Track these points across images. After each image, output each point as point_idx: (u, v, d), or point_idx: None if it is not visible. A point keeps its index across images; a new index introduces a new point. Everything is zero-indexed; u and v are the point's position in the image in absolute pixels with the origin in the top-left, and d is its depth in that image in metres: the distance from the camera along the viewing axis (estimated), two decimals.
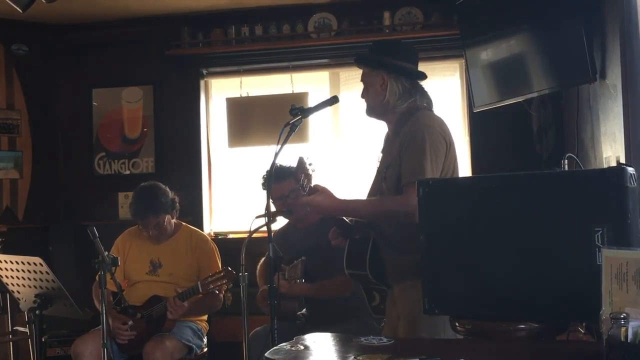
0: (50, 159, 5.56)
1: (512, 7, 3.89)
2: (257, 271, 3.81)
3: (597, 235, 1.87)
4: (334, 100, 2.84)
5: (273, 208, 3.62)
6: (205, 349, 3.96)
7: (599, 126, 3.53)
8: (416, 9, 5.02)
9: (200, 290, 3.61)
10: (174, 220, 3.97)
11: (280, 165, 3.52)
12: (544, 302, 1.97)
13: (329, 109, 2.99)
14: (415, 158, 2.57)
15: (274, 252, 2.69)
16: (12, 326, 4.79)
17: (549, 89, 3.84)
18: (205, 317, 4.00)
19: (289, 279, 3.40)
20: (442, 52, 5.05)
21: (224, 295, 3.89)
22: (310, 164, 2.63)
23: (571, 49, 3.47)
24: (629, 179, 1.89)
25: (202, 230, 4.58)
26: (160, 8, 5.18)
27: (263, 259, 3.74)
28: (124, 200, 5.20)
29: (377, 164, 2.87)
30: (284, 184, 3.62)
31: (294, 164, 2.73)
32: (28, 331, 3.57)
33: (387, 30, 5.03)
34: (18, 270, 3.21)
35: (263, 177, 3.64)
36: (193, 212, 5.11)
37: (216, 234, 5.30)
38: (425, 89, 2.82)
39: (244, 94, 5.37)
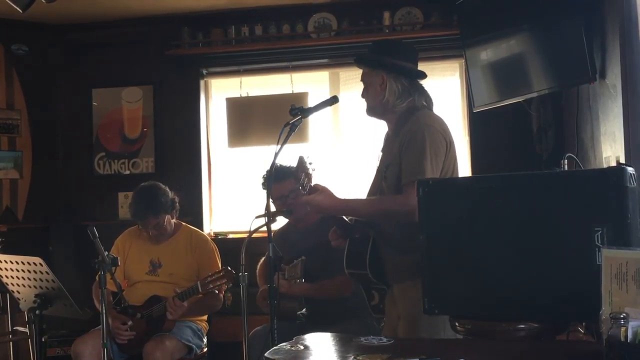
0: (50, 159, 5.56)
1: (512, 7, 3.89)
2: (257, 271, 3.81)
3: (597, 235, 1.87)
4: (333, 100, 2.84)
5: (273, 208, 3.62)
6: (205, 349, 3.96)
7: (599, 126, 3.53)
8: (416, 9, 5.02)
9: (200, 290, 3.61)
10: (173, 220, 3.97)
11: (280, 165, 3.52)
12: (543, 302, 1.97)
13: (328, 109, 2.99)
14: (416, 157, 2.57)
15: (274, 252, 2.69)
16: (12, 326, 4.79)
17: (549, 89, 3.84)
18: (205, 317, 4.00)
19: (288, 279, 3.40)
20: (442, 52, 5.04)
21: (223, 295, 3.90)
22: (310, 163, 2.63)
23: (571, 49, 3.47)
24: (629, 179, 1.89)
25: (202, 230, 4.58)
26: (160, 8, 5.18)
27: (263, 258, 3.74)
28: (124, 200, 5.20)
29: (377, 164, 2.87)
30: (284, 184, 3.62)
31: (294, 164, 2.73)
32: (28, 331, 3.57)
33: (387, 30, 5.03)
34: (18, 270, 3.21)
35: (263, 177, 3.64)
36: (193, 212, 5.11)
37: (216, 234, 5.30)
38: (426, 88, 2.82)
39: (244, 94, 5.37)
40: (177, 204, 3.94)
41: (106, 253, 3.01)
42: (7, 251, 4.08)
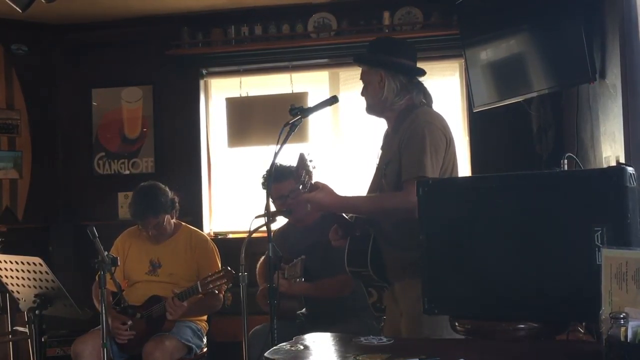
0: (50, 159, 5.56)
1: (512, 7, 3.89)
2: (257, 270, 3.81)
3: (597, 235, 1.87)
4: (333, 100, 2.84)
5: (273, 208, 3.62)
6: (205, 349, 3.96)
7: (599, 126, 3.53)
8: (416, 8, 5.02)
9: (200, 290, 3.61)
10: (173, 220, 3.97)
11: (280, 165, 3.52)
12: (543, 302, 1.96)
13: (328, 108, 2.99)
14: (416, 154, 2.57)
15: (274, 252, 2.69)
16: (12, 326, 4.79)
17: (549, 88, 3.83)
18: (205, 317, 4.00)
19: (288, 278, 3.40)
20: (441, 52, 5.04)
21: (223, 295, 3.90)
22: (310, 161, 2.63)
23: (571, 48, 3.46)
24: (629, 179, 1.89)
25: (201, 230, 4.58)
26: (160, 8, 5.18)
27: (263, 257, 3.74)
28: (124, 200, 5.20)
29: (377, 161, 2.88)
30: (284, 184, 3.62)
31: (293, 163, 2.73)
32: (28, 331, 3.57)
33: (387, 30, 5.03)
34: (18, 270, 3.21)
35: (263, 177, 3.64)
36: (193, 212, 5.11)
37: (216, 234, 5.30)
38: (425, 86, 2.82)
39: (244, 94, 5.37)
40: (177, 204, 3.95)
41: (106, 253, 3.01)
42: (7, 251, 4.08)
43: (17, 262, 3.18)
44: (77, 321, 3.56)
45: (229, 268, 3.64)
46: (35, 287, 3.20)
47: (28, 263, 3.14)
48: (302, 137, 4.95)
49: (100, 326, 3.01)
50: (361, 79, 2.84)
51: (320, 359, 1.98)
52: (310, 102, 4.96)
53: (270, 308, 2.68)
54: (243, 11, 5.25)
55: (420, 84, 2.81)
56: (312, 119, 4.62)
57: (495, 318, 2.05)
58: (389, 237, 2.67)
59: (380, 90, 2.75)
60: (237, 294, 3.56)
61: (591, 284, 1.77)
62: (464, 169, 4.86)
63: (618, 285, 1.68)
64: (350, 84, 5.15)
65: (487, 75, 4.29)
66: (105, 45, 5.49)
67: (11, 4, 3.42)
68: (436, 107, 2.84)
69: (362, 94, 2.84)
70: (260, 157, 5.09)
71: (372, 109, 2.83)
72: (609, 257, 1.72)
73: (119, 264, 3.10)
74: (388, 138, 2.84)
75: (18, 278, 3.24)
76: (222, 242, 4.96)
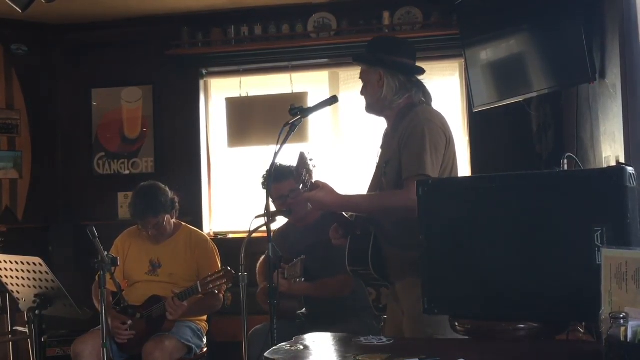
0: (50, 159, 5.57)
1: (512, 7, 3.89)
2: (257, 269, 3.81)
3: (597, 235, 1.87)
4: (333, 100, 2.84)
5: (273, 208, 3.62)
6: (205, 349, 3.96)
7: (599, 126, 3.53)
8: (416, 8, 5.02)
9: (200, 290, 3.61)
10: (173, 220, 3.97)
11: (280, 165, 3.52)
12: (543, 301, 1.96)
13: (328, 108, 2.99)
14: (416, 152, 2.57)
15: (274, 252, 2.69)
16: (12, 326, 4.79)
17: (549, 88, 3.83)
18: (204, 317, 4.00)
19: (288, 278, 3.40)
20: (441, 51, 5.04)
21: (223, 295, 3.89)
22: (311, 160, 2.63)
23: (571, 48, 3.46)
24: (629, 179, 1.89)
25: (201, 230, 4.58)
26: (160, 8, 5.18)
27: (263, 257, 3.74)
28: (124, 200, 5.20)
29: (377, 160, 2.88)
30: (284, 184, 3.63)
31: (293, 163, 2.73)
32: (28, 331, 3.56)
33: (387, 30, 5.03)
34: (18, 270, 3.21)
35: (263, 177, 3.64)
36: (193, 212, 5.11)
37: (216, 234, 5.30)
38: (424, 84, 2.82)
39: (244, 94, 5.37)
40: (177, 204, 3.94)
41: (106, 253, 3.01)
42: (6, 251, 4.08)
43: (17, 262, 3.18)
44: (77, 321, 3.56)
45: (229, 268, 3.64)
46: (35, 287, 3.20)
47: (28, 263, 3.14)
48: (302, 137, 4.95)
49: (100, 326, 3.01)
50: (360, 78, 2.85)
51: (320, 359, 1.98)
52: (310, 102, 4.96)
53: (270, 308, 2.68)
54: (243, 11, 5.25)
55: (420, 83, 2.81)
56: (312, 119, 4.62)
57: (495, 318, 2.05)
58: (389, 235, 2.67)
59: (380, 89, 2.75)
60: (237, 294, 3.56)
61: (591, 284, 1.77)
62: (464, 168, 4.86)
63: (618, 285, 1.68)
64: (350, 84, 5.15)
65: (487, 75, 4.28)
66: (105, 45, 5.50)
67: (11, 4, 3.42)
68: (436, 107, 2.84)
69: (362, 93, 2.84)
70: (260, 157, 5.09)
71: (371, 108, 2.83)
72: (609, 257, 1.72)
73: (118, 264, 3.10)
74: (388, 137, 2.84)
75: (18, 278, 3.24)
76: (222, 242, 4.96)
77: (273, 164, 2.73)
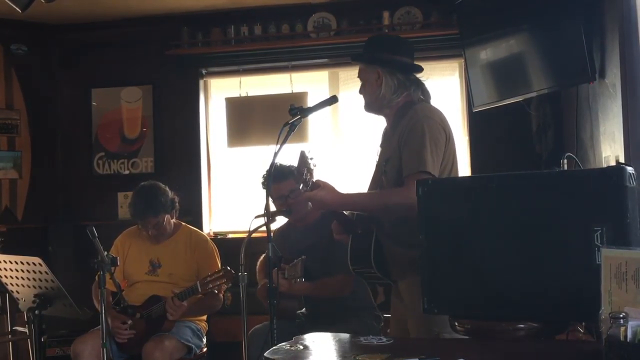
0: (50, 159, 5.56)
1: (512, 6, 3.89)
2: (257, 267, 3.81)
3: (597, 235, 1.87)
4: (333, 100, 2.84)
5: (273, 208, 3.62)
6: (205, 349, 3.96)
7: (598, 126, 3.53)
8: (415, 8, 5.02)
9: (200, 290, 3.61)
10: (173, 220, 3.97)
11: (279, 164, 3.52)
12: (543, 301, 1.96)
13: (328, 108, 2.99)
14: (416, 149, 2.57)
15: (274, 252, 2.69)
16: (12, 326, 4.78)
17: (549, 88, 3.83)
18: (204, 317, 4.00)
19: (289, 278, 3.40)
20: (441, 51, 5.04)
21: (223, 295, 3.89)
22: (311, 159, 2.63)
23: (570, 48, 3.46)
24: (628, 179, 1.89)
25: (201, 230, 4.58)
26: (159, 8, 5.18)
27: (263, 255, 3.74)
28: (124, 200, 5.20)
29: (376, 159, 2.88)
30: (284, 184, 3.62)
31: (293, 163, 2.73)
32: (27, 331, 3.56)
33: (387, 30, 5.03)
34: (17, 270, 3.21)
35: (263, 177, 3.64)
36: (192, 212, 5.11)
37: (216, 234, 5.30)
38: (423, 82, 2.82)
39: (243, 94, 5.37)
40: (177, 204, 3.94)
41: (105, 253, 3.01)
42: (6, 251, 4.08)
43: (16, 262, 3.18)
44: (76, 321, 3.56)
45: (229, 268, 3.64)
46: (35, 287, 3.20)
47: (28, 263, 3.14)
48: (301, 137, 4.95)
49: (99, 326, 3.01)
50: (359, 77, 2.85)
51: (320, 359, 1.98)
52: (310, 102, 4.96)
53: (270, 308, 2.68)
54: (243, 11, 5.25)
55: (418, 81, 2.80)
56: (312, 119, 4.62)
57: (495, 318, 2.05)
58: (391, 234, 2.67)
59: (378, 87, 2.75)
60: (236, 294, 3.56)
61: (591, 283, 1.77)
62: (464, 168, 4.86)
63: (618, 285, 1.69)
64: (349, 83, 5.15)
65: (486, 75, 4.28)
66: (105, 45, 5.50)
67: (11, 4, 3.42)
68: (435, 106, 2.84)
69: (360, 92, 2.84)
70: (260, 157, 5.10)
71: (370, 106, 2.83)
72: (609, 256, 1.72)
73: (118, 264, 3.10)
74: (387, 135, 2.84)
75: (18, 278, 3.24)
76: (222, 242, 4.96)
77: (273, 164, 2.73)
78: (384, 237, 2.68)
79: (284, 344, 2.11)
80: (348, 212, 2.78)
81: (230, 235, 5.29)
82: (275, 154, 2.68)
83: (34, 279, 3.18)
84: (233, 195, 5.43)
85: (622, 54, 3.07)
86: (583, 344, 2.41)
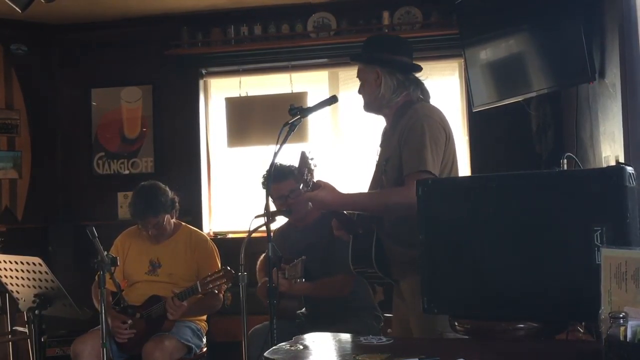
0: (50, 159, 5.56)
1: (512, 6, 3.89)
2: (257, 266, 3.81)
3: (597, 235, 1.87)
4: (333, 99, 2.84)
5: (273, 208, 3.62)
6: (205, 349, 3.96)
7: (598, 126, 3.53)
8: (415, 8, 5.02)
9: (199, 290, 3.61)
10: (173, 220, 3.97)
11: (279, 164, 3.52)
12: (543, 301, 1.97)
13: (328, 108, 2.99)
14: (416, 148, 2.57)
15: (274, 252, 2.69)
16: (12, 326, 4.78)
17: (548, 88, 3.83)
18: (204, 317, 4.00)
19: (289, 278, 3.40)
20: (441, 51, 5.04)
21: (223, 295, 3.89)
22: (312, 159, 2.63)
23: (570, 48, 3.46)
24: (628, 179, 1.89)
25: (201, 230, 4.58)
26: (159, 8, 5.18)
27: (263, 254, 3.74)
28: (124, 200, 5.20)
29: (376, 159, 2.88)
30: (284, 184, 3.62)
31: (293, 163, 2.73)
32: (27, 331, 3.56)
33: (386, 30, 5.03)
34: (17, 270, 3.21)
35: (263, 177, 3.64)
36: (192, 212, 5.11)
37: (215, 234, 5.30)
38: (422, 81, 2.82)
39: (243, 94, 5.37)
40: (177, 204, 3.94)
41: (105, 253, 3.01)
42: (6, 251, 4.08)
43: (16, 262, 3.18)
44: (76, 321, 3.56)
45: (229, 268, 3.64)
46: (34, 287, 3.20)
47: (28, 263, 3.14)
48: (301, 137, 4.95)
49: (99, 326, 3.01)
50: (358, 77, 2.85)
51: (320, 359, 1.98)
52: (310, 102, 4.96)
53: (270, 308, 2.68)
54: (243, 11, 5.25)
55: (418, 80, 2.80)
56: (312, 119, 4.62)
57: (495, 318, 2.05)
58: (391, 233, 2.67)
59: (377, 87, 2.75)
60: (236, 294, 3.56)
61: (591, 283, 1.77)
62: (464, 168, 4.86)
63: (617, 285, 1.69)
64: (349, 83, 5.15)
65: (486, 75, 4.28)
66: (105, 45, 5.50)
67: (11, 4, 3.42)
68: (435, 105, 2.84)
69: (360, 92, 2.84)
70: (259, 157, 5.10)
71: (369, 106, 2.83)
72: (609, 256, 1.72)
73: (118, 264, 3.09)
74: (387, 135, 2.84)
75: (18, 278, 3.24)
76: (222, 242, 4.96)
77: (273, 164, 2.73)
78: (384, 236, 2.68)
79: (284, 344, 2.11)
80: (349, 212, 2.78)
81: (230, 235, 5.29)
82: (275, 154, 2.68)
83: (34, 279, 3.18)
84: (233, 195, 5.43)
85: (622, 54, 3.07)
86: (583, 344, 2.41)
